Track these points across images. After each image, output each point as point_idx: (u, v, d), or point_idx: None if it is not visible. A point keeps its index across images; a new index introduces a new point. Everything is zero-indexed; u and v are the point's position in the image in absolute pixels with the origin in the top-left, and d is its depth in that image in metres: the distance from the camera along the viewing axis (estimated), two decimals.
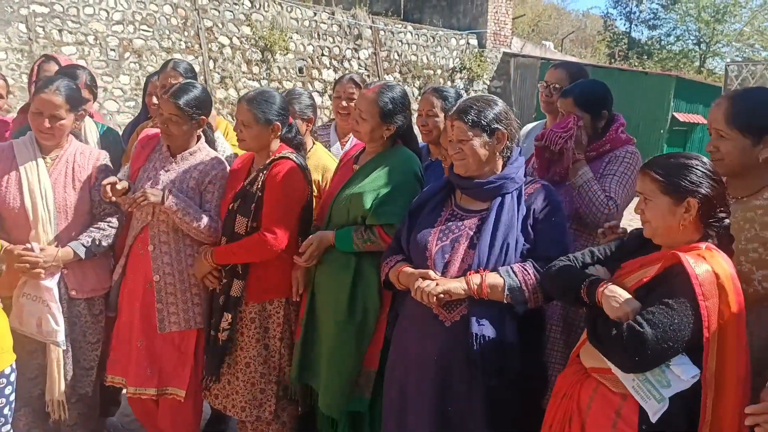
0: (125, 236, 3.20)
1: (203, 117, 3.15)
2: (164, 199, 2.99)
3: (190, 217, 3.04)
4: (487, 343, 2.30)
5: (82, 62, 12.55)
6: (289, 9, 15.62)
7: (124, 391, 3.26)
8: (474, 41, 18.53)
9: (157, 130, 3.27)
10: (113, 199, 3.01)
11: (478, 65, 18.30)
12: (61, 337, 2.96)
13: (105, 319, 3.22)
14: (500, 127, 2.43)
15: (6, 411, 2.62)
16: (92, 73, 3.74)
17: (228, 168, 3.24)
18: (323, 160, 3.45)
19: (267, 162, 3.06)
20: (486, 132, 2.42)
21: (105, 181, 3.00)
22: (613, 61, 25.84)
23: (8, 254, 2.86)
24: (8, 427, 2.73)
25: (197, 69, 14.03)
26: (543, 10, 33.11)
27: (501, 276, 2.33)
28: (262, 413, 3.09)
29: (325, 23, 16.17)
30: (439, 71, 17.97)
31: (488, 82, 18.70)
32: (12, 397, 2.65)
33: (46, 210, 2.98)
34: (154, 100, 3.85)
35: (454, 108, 2.48)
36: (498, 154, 2.47)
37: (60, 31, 12.78)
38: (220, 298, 3.06)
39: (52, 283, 2.94)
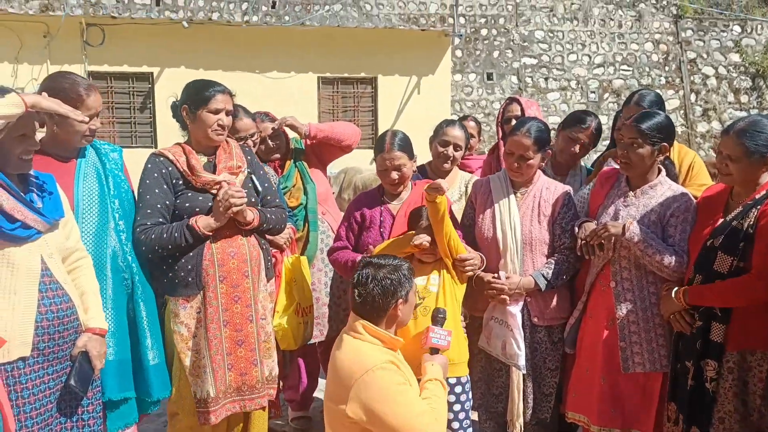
0: (585, 272, 3.24)
1: (665, 144, 3.01)
2: (624, 230, 2.94)
3: (653, 249, 2.92)
4: None
5: (564, 107, 13.38)
6: None
7: None
8: None
9: (616, 166, 3.25)
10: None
11: None
12: (522, 361, 3.15)
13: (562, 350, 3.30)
14: None
15: (462, 416, 2.96)
16: (599, 122, 3.80)
17: (693, 200, 3.02)
18: None
19: (759, 196, 2.76)
20: None
21: None
22: None
23: (479, 280, 3.19)
24: (470, 430, 3.04)
25: (677, 103, 13.53)
26: None
27: None
28: None
29: None
30: None
31: None
32: (468, 405, 3.01)
33: (514, 241, 3.21)
34: None
35: None
36: None
37: (546, 79, 13.77)
38: (696, 342, 2.83)
39: (516, 309, 3.16)
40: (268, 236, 3.26)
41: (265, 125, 3.84)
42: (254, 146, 3.64)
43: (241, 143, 3.48)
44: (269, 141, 3.86)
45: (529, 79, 13.73)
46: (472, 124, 4.65)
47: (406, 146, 3.21)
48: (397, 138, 3.21)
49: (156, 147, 10.58)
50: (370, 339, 2.50)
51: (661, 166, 3.12)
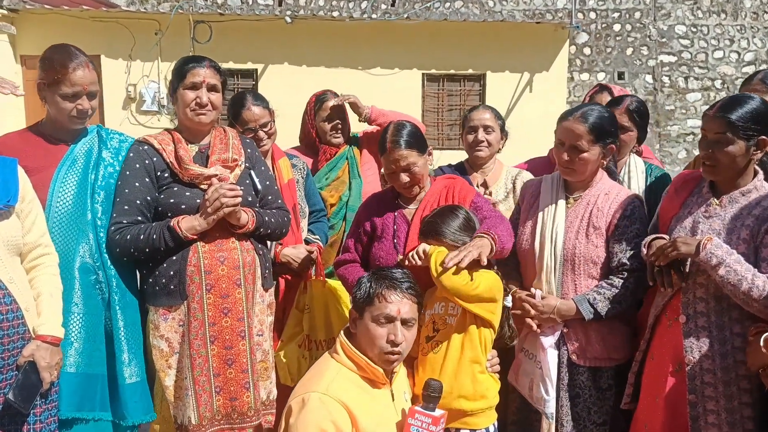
0: (650, 304, 2.56)
1: (763, 138, 2.28)
2: (700, 248, 2.25)
3: (738, 276, 2.21)
4: None
5: (704, 108, 12.14)
6: None
7: None
8: None
9: (694, 170, 2.53)
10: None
11: None
12: (550, 408, 2.54)
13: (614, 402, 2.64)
14: None
15: None
16: (640, 101, 3.17)
17: None
18: None
19: None
20: None
21: None
22: None
23: (514, 299, 2.63)
24: None
25: None
26: None
27: None
28: None
29: None
30: None
31: None
32: None
33: (552, 257, 2.61)
34: None
35: None
36: None
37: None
38: None
39: (549, 340, 2.56)
40: (282, 260, 3.02)
41: (327, 104, 3.62)
42: (269, 138, 3.19)
43: (251, 136, 3.07)
44: (328, 123, 3.62)
45: (666, 78, 12.70)
46: None
47: (414, 141, 2.62)
48: (402, 133, 2.62)
49: None
50: (346, 361, 2.20)
51: (757, 166, 2.39)
